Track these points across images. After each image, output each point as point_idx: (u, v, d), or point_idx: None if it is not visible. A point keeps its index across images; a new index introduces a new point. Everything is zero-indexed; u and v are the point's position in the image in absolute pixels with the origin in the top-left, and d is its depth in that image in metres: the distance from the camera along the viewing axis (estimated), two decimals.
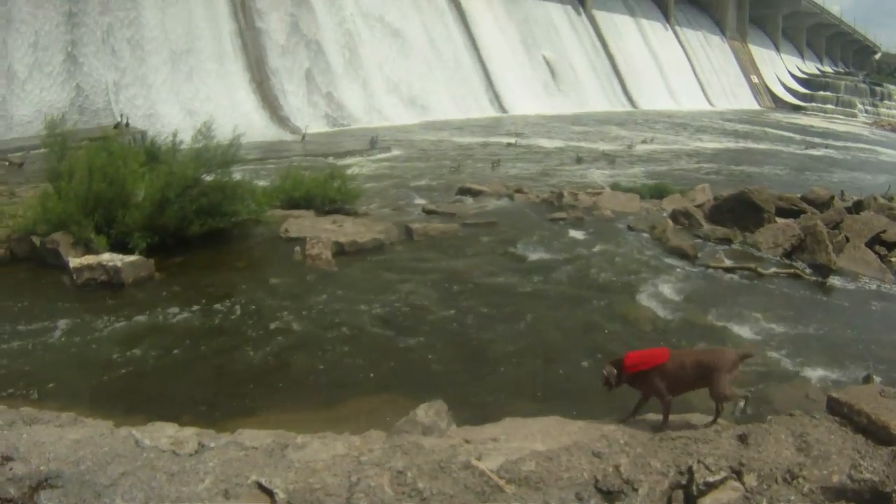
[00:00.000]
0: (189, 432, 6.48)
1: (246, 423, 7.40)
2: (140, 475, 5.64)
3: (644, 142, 50.35)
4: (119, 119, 32.87)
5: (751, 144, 57.75)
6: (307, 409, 8.44)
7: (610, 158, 40.16)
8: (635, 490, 5.73)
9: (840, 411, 6.99)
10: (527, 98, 63.59)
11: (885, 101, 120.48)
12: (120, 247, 12.76)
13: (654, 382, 7.18)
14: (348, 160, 32.20)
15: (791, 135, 71.24)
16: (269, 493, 5.48)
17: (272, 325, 10.81)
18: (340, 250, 14.19)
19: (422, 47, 56.27)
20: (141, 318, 10.64)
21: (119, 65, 36.74)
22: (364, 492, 5.45)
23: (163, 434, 6.38)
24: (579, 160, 37.87)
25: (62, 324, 10.30)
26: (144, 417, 7.15)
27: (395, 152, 36.01)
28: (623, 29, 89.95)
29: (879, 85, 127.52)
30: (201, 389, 8.87)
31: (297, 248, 13.84)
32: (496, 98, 60.83)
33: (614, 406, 7.61)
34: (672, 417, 7.09)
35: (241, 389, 8.93)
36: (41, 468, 5.65)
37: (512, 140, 44.58)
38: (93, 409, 7.63)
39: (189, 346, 9.98)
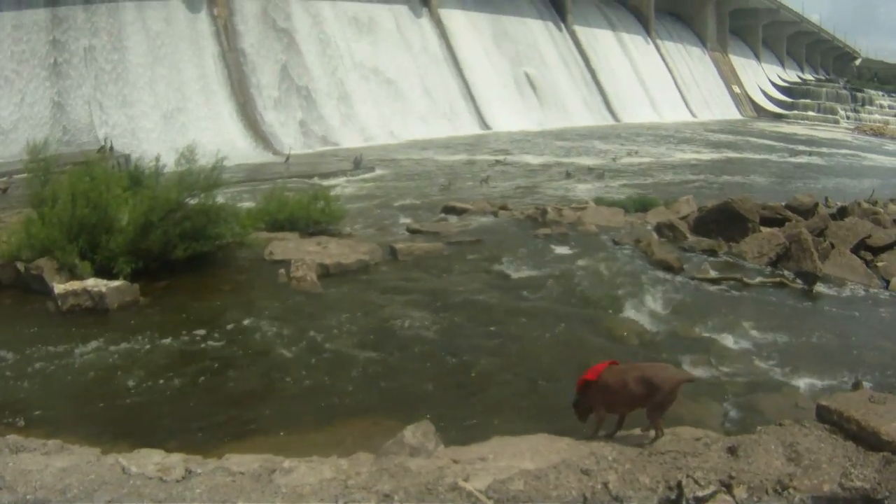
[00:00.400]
0: (176, 458, 6.47)
1: (233, 447, 7.41)
2: (127, 503, 5.62)
3: (630, 154, 50.48)
4: (103, 143, 32.77)
5: (734, 154, 57.90)
6: (295, 433, 8.44)
7: (595, 173, 40.19)
8: None
9: (830, 419, 7.00)
10: (510, 114, 63.59)
11: (867, 107, 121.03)
12: (104, 272, 12.74)
13: (592, 396, 7.33)
14: (332, 181, 32.23)
15: (774, 143, 71.53)
16: None
17: (258, 349, 10.81)
18: (325, 272, 14.18)
19: (404, 65, 56.29)
20: (126, 344, 10.59)
21: (101, 86, 36.81)
22: None
23: (149, 461, 6.36)
24: (568, 175, 37.90)
25: (47, 351, 10.25)
26: (131, 444, 7.15)
27: (379, 172, 35.97)
28: (604, 43, 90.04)
29: (860, 90, 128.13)
30: (188, 415, 8.82)
31: (282, 271, 13.80)
32: (479, 115, 60.80)
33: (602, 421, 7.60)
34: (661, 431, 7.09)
35: (228, 414, 8.91)
36: (28, 497, 5.65)
37: (500, 157, 44.60)
38: (79, 436, 7.58)
39: (175, 371, 9.93)
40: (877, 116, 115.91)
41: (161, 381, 9.62)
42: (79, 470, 6.09)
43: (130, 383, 9.51)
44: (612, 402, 7.27)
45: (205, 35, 43.66)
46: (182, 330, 11.20)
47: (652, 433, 7.06)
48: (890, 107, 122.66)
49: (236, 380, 9.82)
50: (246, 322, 11.67)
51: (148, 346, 10.62)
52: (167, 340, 10.82)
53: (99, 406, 8.92)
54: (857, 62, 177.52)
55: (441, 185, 32.99)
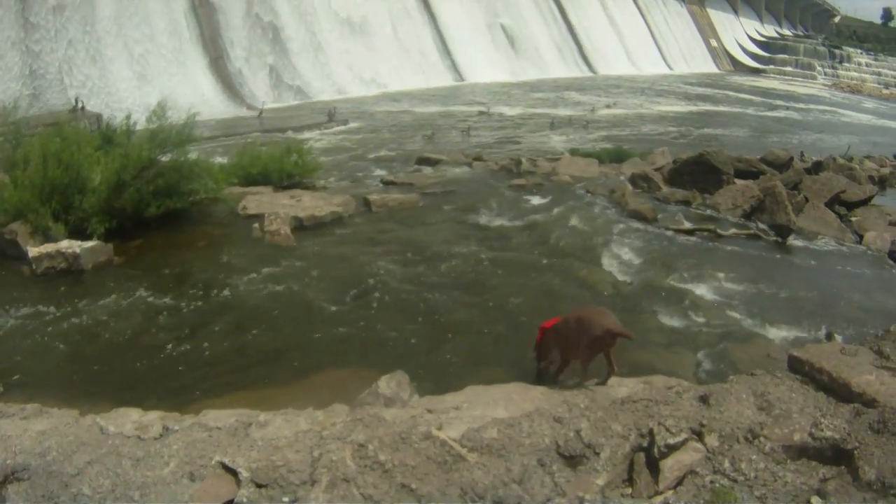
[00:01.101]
0: (153, 416, 6.50)
1: (210, 403, 7.45)
2: (106, 462, 5.67)
3: (608, 106, 50.52)
4: (74, 103, 32.43)
5: (711, 107, 58.09)
6: (271, 386, 8.46)
7: (571, 123, 40.23)
8: (597, 454, 5.78)
9: (801, 370, 7.07)
10: (485, 66, 63.36)
11: (844, 64, 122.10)
12: (78, 233, 12.60)
13: (547, 342, 8.09)
14: (306, 134, 32.05)
15: (752, 97, 71.81)
16: (234, 473, 5.51)
17: (233, 304, 10.77)
18: (299, 225, 14.15)
19: (378, 16, 55.79)
20: (102, 304, 10.53)
21: (72, 46, 36.27)
22: (326, 466, 5.47)
23: (127, 420, 6.38)
24: (553, 126, 37.93)
25: (23, 314, 10.18)
26: (109, 404, 7.12)
27: (354, 124, 35.77)
28: None
29: (838, 48, 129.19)
30: (166, 372, 8.82)
31: (256, 225, 13.78)
32: (454, 66, 60.55)
33: (576, 369, 7.65)
34: (633, 380, 7.19)
35: (204, 370, 8.90)
36: (7, 462, 5.66)
37: (484, 108, 44.57)
38: (58, 399, 7.57)
39: (151, 329, 9.91)
40: (854, 74, 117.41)
41: (137, 340, 9.59)
42: (57, 432, 6.11)
43: (107, 343, 9.47)
44: (563, 346, 7.78)
45: None
46: (157, 288, 11.14)
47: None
48: (868, 65, 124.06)
49: (212, 336, 9.77)
50: (220, 277, 11.63)
51: (124, 306, 10.55)
52: (142, 299, 10.76)
53: (76, 367, 8.88)
54: (836, 19, 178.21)
55: (425, 136, 32.95)
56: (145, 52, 39.07)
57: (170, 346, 9.47)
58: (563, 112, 45.28)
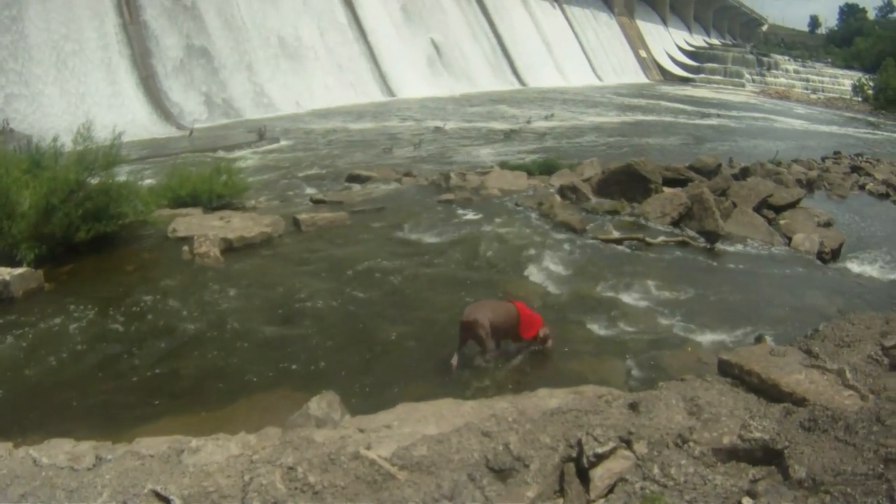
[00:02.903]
0: (86, 446, 6.43)
1: (143, 430, 7.35)
2: (40, 495, 5.62)
3: (543, 119, 50.91)
4: (2, 125, 31.96)
5: (644, 117, 58.77)
6: (204, 411, 8.39)
7: (505, 137, 40.48)
8: (526, 466, 5.81)
9: (731, 373, 7.19)
10: (416, 81, 63.42)
11: (772, 71, 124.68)
12: (7, 259, 12.38)
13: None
14: (237, 153, 31.74)
15: (684, 106, 72.78)
16: (166, 500, 5.49)
17: (164, 328, 10.65)
18: (229, 246, 14.03)
19: (308, 33, 55.64)
20: (32, 332, 10.34)
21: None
22: (257, 490, 5.47)
23: (60, 451, 6.32)
24: (486, 138, 38.23)
25: None
26: (42, 435, 7.02)
27: (284, 142, 35.54)
28: (510, 8, 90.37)
29: (766, 55, 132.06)
30: (98, 400, 8.70)
31: (186, 248, 13.64)
32: (384, 82, 60.56)
33: (503, 383, 7.71)
34: (564, 391, 7.27)
35: (136, 397, 8.79)
36: None
37: (440, 124, 44.69)
38: None
39: (83, 356, 9.77)
40: (782, 80, 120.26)
41: (69, 368, 9.45)
42: None
43: (38, 372, 9.32)
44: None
45: (107, 7, 42.28)
46: (88, 314, 10.99)
47: None
48: (796, 71, 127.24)
49: (144, 361, 9.66)
50: (150, 302, 11.50)
51: (54, 333, 10.39)
52: (73, 326, 10.60)
53: (7, 398, 8.72)
54: (764, 28, 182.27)
55: (385, 149, 33.67)
56: (75, 71, 38.57)
57: (101, 373, 9.34)
58: (499, 125, 45.50)
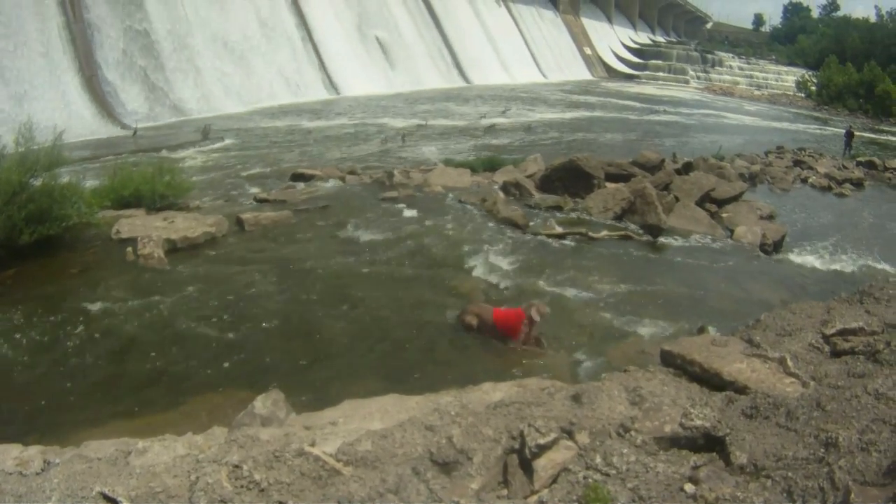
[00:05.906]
0: (34, 451, 6.38)
1: (91, 434, 7.31)
2: None
3: (502, 113, 51.10)
4: None
5: (589, 113, 59.18)
6: (151, 413, 8.39)
7: (453, 134, 40.52)
8: (470, 459, 5.82)
9: (674, 363, 7.28)
10: (361, 79, 63.09)
11: (717, 68, 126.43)
12: None
13: None
14: (181, 153, 31.46)
15: (630, 102, 73.47)
16: (114, 502, 5.47)
17: (108, 331, 10.57)
18: (173, 247, 13.94)
19: (251, 31, 55.27)
20: None
21: None
22: (203, 490, 5.46)
23: (8, 456, 6.26)
24: (435, 135, 38.23)
25: None
26: None
27: (229, 141, 35.27)
28: (456, 5, 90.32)
29: (711, 53, 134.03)
30: (45, 405, 8.64)
31: (129, 249, 13.50)
32: (329, 80, 60.25)
33: (449, 377, 7.75)
34: (508, 384, 7.37)
35: (84, 400, 8.75)
36: None
37: (422, 121, 44.87)
38: None
39: (28, 361, 9.66)
40: (727, 77, 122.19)
41: (14, 374, 9.36)
42: None
43: None
44: None
45: (50, 6, 41.76)
46: (32, 318, 10.86)
47: None
48: (740, 68, 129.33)
49: (90, 364, 9.61)
50: (95, 305, 11.39)
51: None
52: (19, 331, 10.47)
53: None
54: (709, 25, 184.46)
55: (382, 142, 34.40)
56: (18, 70, 38.02)
57: (48, 377, 9.28)
58: (445, 122, 45.68)
